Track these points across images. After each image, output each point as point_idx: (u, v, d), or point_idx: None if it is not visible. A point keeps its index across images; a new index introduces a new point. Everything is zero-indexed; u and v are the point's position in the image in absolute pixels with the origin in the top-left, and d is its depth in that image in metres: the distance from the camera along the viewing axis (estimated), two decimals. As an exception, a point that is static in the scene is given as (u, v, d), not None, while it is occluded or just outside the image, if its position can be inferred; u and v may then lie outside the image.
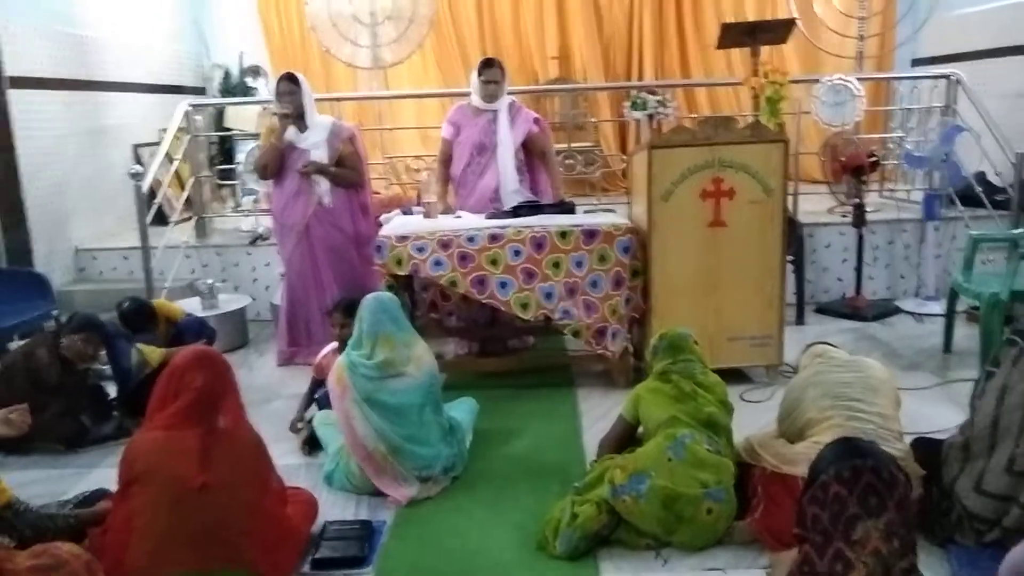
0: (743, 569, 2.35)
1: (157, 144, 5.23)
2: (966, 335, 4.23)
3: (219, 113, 6.59)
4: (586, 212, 4.20)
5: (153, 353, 3.53)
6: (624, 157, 5.69)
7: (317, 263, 4.20)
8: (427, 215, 4.03)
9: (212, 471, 2.12)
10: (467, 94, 4.39)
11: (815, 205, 5.47)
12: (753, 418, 3.19)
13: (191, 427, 2.14)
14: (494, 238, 3.62)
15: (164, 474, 2.10)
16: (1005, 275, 3.74)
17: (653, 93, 5.04)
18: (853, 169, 4.70)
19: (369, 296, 2.97)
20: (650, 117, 4.95)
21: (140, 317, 3.66)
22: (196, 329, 3.78)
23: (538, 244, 3.61)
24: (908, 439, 2.67)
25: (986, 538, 2.32)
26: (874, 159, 4.87)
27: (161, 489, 2.10)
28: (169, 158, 5.50)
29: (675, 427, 2.52)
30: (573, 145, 5.82)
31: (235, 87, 7.03)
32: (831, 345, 2.95)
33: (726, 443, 2.59)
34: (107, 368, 3.59)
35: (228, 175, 5.97)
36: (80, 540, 2.36)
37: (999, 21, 5.72)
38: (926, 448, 2.62)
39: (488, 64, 4.25)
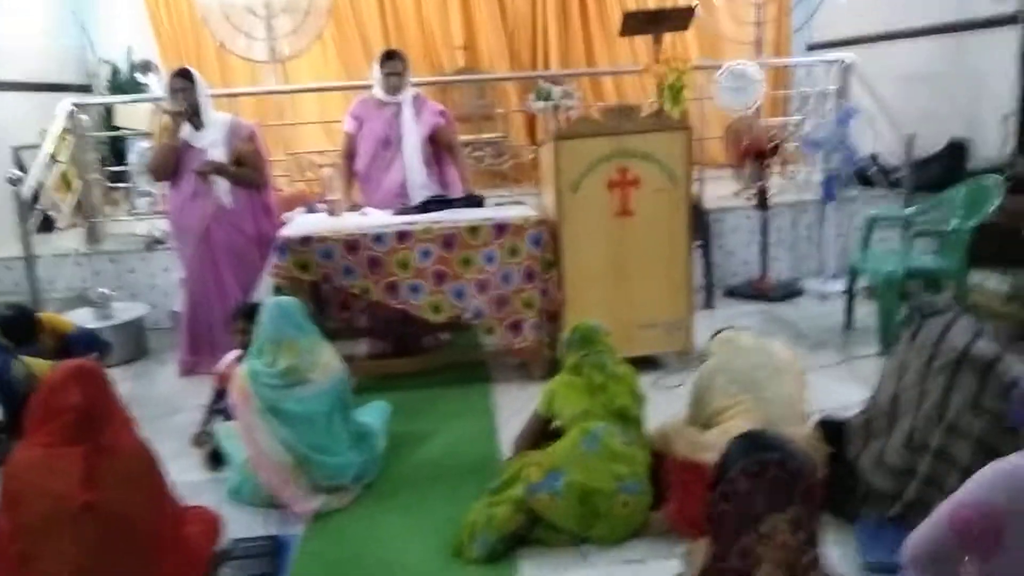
0: (662, 559, 2.35)
1: (39, 146, 4.91)
2: (867, 312, 4.37)
3: (108, 112, 6.24)
4: (496, 205, 4.15)
5: (42, 366, 3.30)
6: (533, 148, 5.67)
7: (218, 267, 4.02)
8: (331, 213, 3.91)
9: (96, 490, 1.97)
10: (370, 86, 4.28)
11: (721, 190, 5.57)
12: (667, 405, 3.19)
13: (71, 444, 1.99)
14: (402, 237, 3.53)
15: (43, 494, 1.95)
16: (900, 253, 3.88)
17: (557, 83, 5.01)
18: (755, 153, 4.79)
19: (270, 302, 2.85)
20: (555, 108, 4.92)
21: (21, 325, 3.41)
22: (87, 342, 3.56)
23: (447, 242, 3.54)
24: (815, 418, 2.75)
25: (889, 512, 2.39)
26: (775, 143, 4.98)
27: (43, 510, 1.95)
28: (53, 160, 5.19)
29: (588, 420, 2.50)
30: (481, 136, 5.76)
31: (124, 84, 6.68)
32: (738, 331, 2.99)
33: (638, 434, 2.59)
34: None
35: (120, 177, 5.67)
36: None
37: (889, 6, 5.94)
38: (831, 427, 2.68)
39: (390, 56, 4.14)
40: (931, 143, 5.32)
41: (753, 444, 1.45)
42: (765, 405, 2.55)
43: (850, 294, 4.32)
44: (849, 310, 4.33)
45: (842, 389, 3.42)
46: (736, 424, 2.47)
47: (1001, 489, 1.56)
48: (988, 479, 1.59)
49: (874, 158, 5.24)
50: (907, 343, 2.52)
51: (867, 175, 5.12)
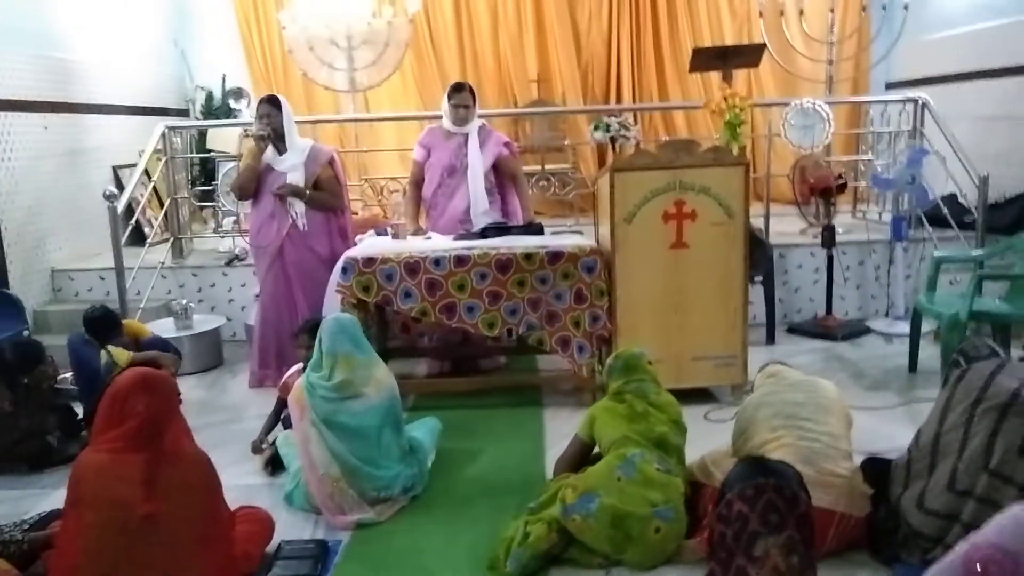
0: (691, 587, 2.37)
1: (136, 166, 5.28)
2: (932, 355, 4.27)
3: (202, 135, 6.64)
4: (554, 234, 4.25)
5: (122, 355, 3.55)
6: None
7: (290, 285, 4.23)
8: (396, 236, 4.08)
9: (157, 500, 2.12)
10: (441, 117, 4.46)
11: (788, 227, 5.54)
12: (717, 437, 3.20)
13: (135, 452, 2.14)
14: (460, 261, 3.67)
15: (108, 500, 2.11)
16: (965, 295, 3.79)
17: (615, 116, 5.11)
18: (821, 191, 4.76)
19: (329, 317, 3.01)
20: (612, 140, 5.01)
21: (105, 323, 3.67)
22: (160, 348, 3.80)
23: (503, 266, 3.66)
24: (862, 457, 2.73)
25: (930, 556, 2.34)
26: (842, 181, 4.94)
27: (106, 516, 2.11)
28: (148, 178, 5.56)
29: (626, 446, 2.55)
30: (548, 167, 5.88)
31: (218, 109, 7.09)
32: (785, 365, 3.00)
33: (677, 462, 2.63)
34: (75, 387, 3.62)
35: (209, 196, 6.02)
36: (33, 562, 2.38)
37: (967, 46, 5.83)
38: (876, 467, 2.65)
39: (458, 88, 4.31)
40: (1010, 186, 5.18)
41: (752, 469, 1.49)
42: (807, 441, 2.54)
43: (915, 335, 4.23)
44: (913, 352, 4.24)
45: (899, 431, 3.35)
46: (777, 458, 2.48)
47: (1019, 536, 1.55)
48: (1006, 524, 1.58)
49: (953, 199, 5.13)
50: (953, 385, 2.48)
51: (940, 216, 5.01)
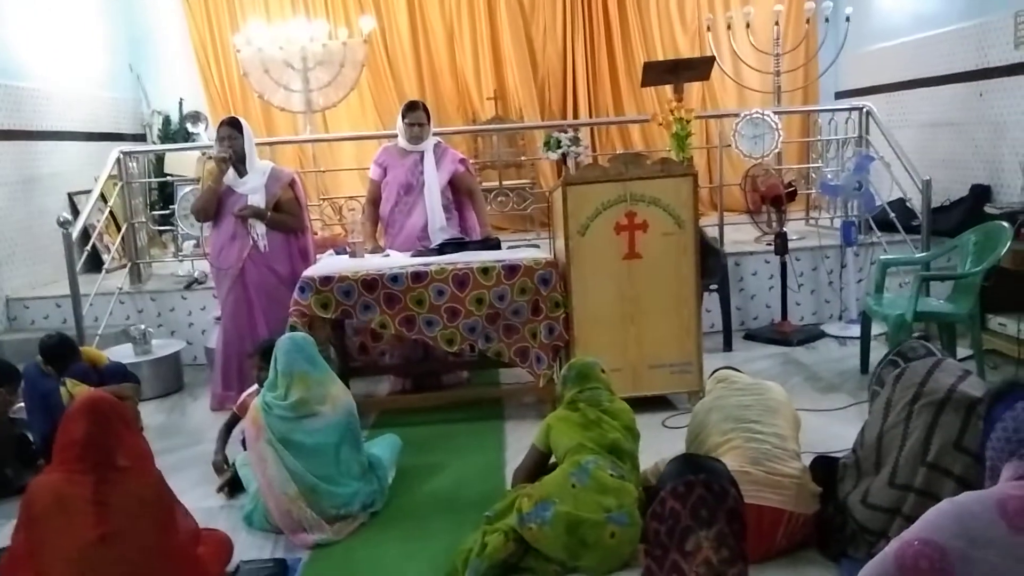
0: (647, 591, 2.41)
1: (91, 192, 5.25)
2: (882, 356, 4.37)
3: (159, 159, 6.61)
4: (511, 248, 4.31)
5: (83, 390, 3.51)
6: (556, 193, 5.84)
7: (251, 306, 4.22)
8: (353, 254, 4.10)
9: (110, 521, 2.13)
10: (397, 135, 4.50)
11: (742, 235, 5.65)
12: (675, 444, 3.27)
13: (84, 474, 2.15)
14: (417, 277, 3.70)
15: (61, 521, 2.11)
16: (911, 297, 3.91)
17: (564, 131, 5.19)
18: (771, 199, 4.88)
19: (283, 337, 3.02)
20: (563, 155, 5.09)
21: (62, 351, 3.64)
22: (119, 375, 3.78)
23: (460, 281, 3.70)
24: (812, 457, 2.80)
25: (875, 549, 2.40)
26: (792, 189, 5.06)
27: (57, 537, 2.11)
28: (105, 203, 5.53)
29: (580, 454, 2.60)
30: (507, 183, 5.95)
31: (176, 133, 7.06)
32: (735, 370, 3.07)
33: (631, 468, 2.67)
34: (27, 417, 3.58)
35: (168, 221, 5.99)
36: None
37: (908, 55, 6.02)
38: (824, 466, 2.73)
39: (412, 107, 4.36)
40: (954, 189, 5.35)
41: (683, 466, 1.54)
42: (756, 443, 2.60)
43: (865, 338, 4.34)
44: (864, 354, 4.35)
45: (850, 431, 3.40)
46: (727, 460, 2.54)
47: (946, 528, 1.61)
48: (932, 519, 1.65)
49: (900, 203, 5.28)
50: (892, 383, 2.57)
51: (888, 220, 5.15)
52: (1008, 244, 3.76)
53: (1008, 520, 1.62)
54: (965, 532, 1.62)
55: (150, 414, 4.21)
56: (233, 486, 3.18)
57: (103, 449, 2.18)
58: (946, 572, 1.59)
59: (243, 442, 3.37)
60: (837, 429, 3.50)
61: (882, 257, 4.39)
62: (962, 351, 4.08)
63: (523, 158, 6.63)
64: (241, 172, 4.19)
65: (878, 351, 4.40)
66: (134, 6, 7.19)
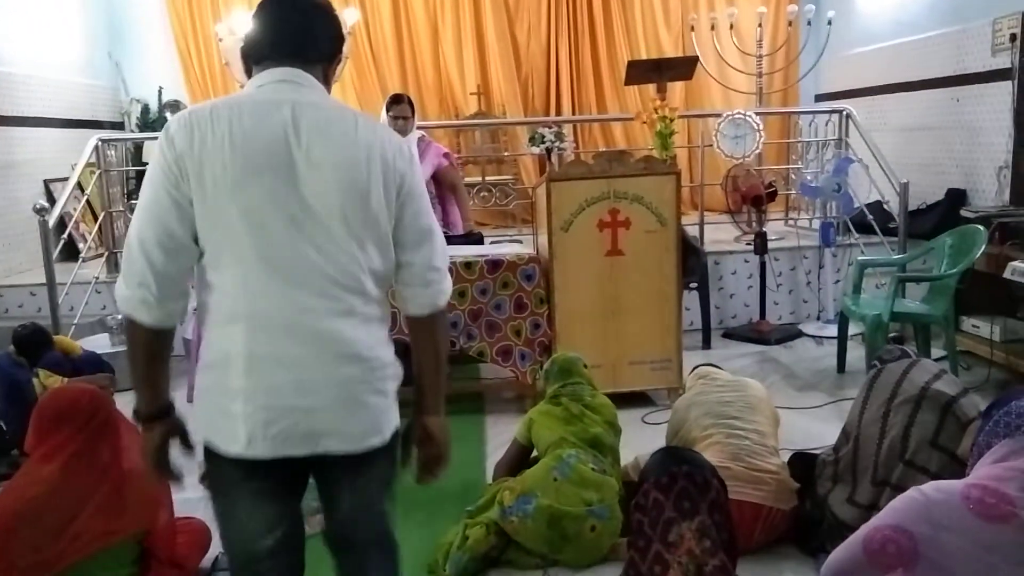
0: (627, 584, 2.43)
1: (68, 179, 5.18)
2: (860, 356, 4.43)
3: (137, 148, 6.53)
4: (493, 243, 4.31)
5: (55, 382, 3.47)
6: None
7: (229, 296, 4.18)
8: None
9: (100, 511, 2.15)
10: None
11: (722, 234, 5.69)
12: (655, 439, 3.29)
13: (71, 460, 2.15)
14: (400, 271, 3.68)
15: (46, 509, 2.12)
16: (887, 297, 3.96)
17: (548, 128, 5.21)
18: (752, 199, 4.92)
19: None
20: (548, 151, 5.11)
21: (35, 341, 3.60)
22: (93, 365, 3.73)
23: (443, 275, 3.69)
24: (789, 454, 2.84)
25: (850, 544, 2.45)
26: (772, 190, 5.11)
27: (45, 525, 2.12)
28: (82, 191, 5.45)
29: (562, 448, 2.61)
30: (489, 178, 5.96)
31: (155, 122, 6.98)
32: (715, 367, 3.10)
33: (611, 463, 2.69)
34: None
35: (145, 210, 5.91)
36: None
37: (888, 60, 6.09)
38: (802, 463, 2.76)
39: (396, 100, 4.35)
40: (931, 192, 5.42)
41: (666, 459, 1.55)
42: (736, 439, 2.64)
43: (842, 337, 4.39)
44: (841, 353, 4.40)
45: (826, 429, 3.48)
46: (708, 456, 2.56)
47: (912, 515, 1.65)
48: (899, 507, 1.69)
49: (878, 206, 5.35)
50: (869, 384, 2.61)
51: (866, 222, 5.22)
52: (983, 247, 3.83)
53: (970, 507, 1.67)
54: (930, 519, 1.67)
55: (126, 404, 4.10)
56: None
57: (91, 445, 2.18)
58: (912, 556, 1.64)
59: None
60: (814, 427, 3.55)
61: (860, 258, 4.45)
62: (936, 352, 4.14)
63: (506, 154, 6.63)
64: None
65: (855, 351, 4.48)
66: (114, -8, 7.11)
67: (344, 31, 1.68)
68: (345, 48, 5.29)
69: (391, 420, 1.68)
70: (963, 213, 4.61)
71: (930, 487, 1.70)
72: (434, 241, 1.65)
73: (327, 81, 1.64)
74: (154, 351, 1.55)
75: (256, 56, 1.59)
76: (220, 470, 1.60)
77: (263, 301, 1.49)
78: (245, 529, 1.62)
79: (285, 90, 1.53)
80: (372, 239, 1.55)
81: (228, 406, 1.51)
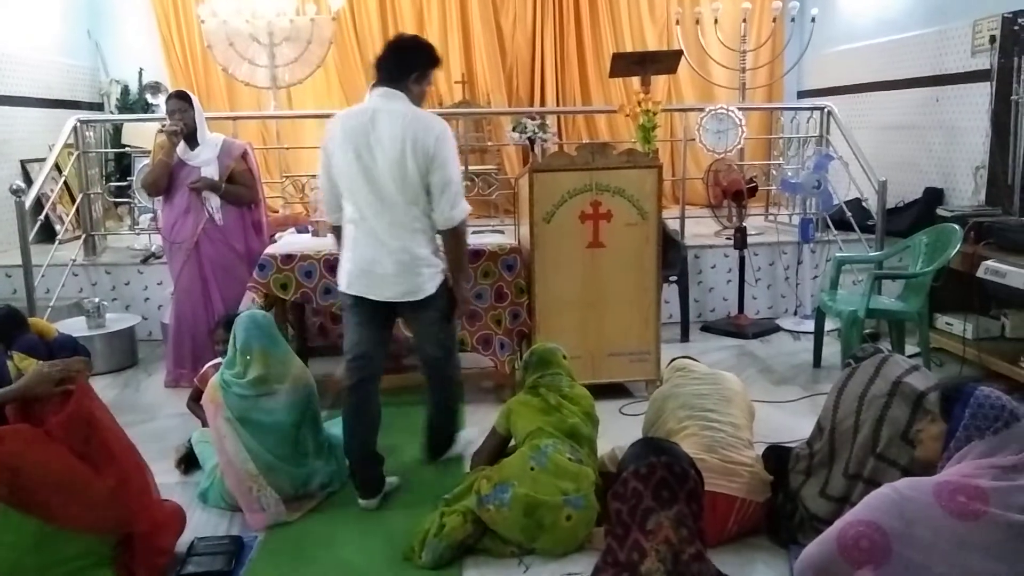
0: (601, 573, 2.45)
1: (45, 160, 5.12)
2: (835, 351, 4.49)
3: (117, 129, 6.46)
4: (475, 233, 4.29)
5: (30, 364, 3.44)
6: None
7: (206, 281, 4.17)
8: (316, 234, 4.07)
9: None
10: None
11: (703, 228, 5.73)
12: (632, 431, 3.31)
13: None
14: (381, 257, 3.68)
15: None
16: (863, 294, 4.01)
17: (532, 119, 5.21)
18: (733, 194, 4.95)
19: (243, 314, 2.99)
20: (530, 141, 5.11)
21: (10, 323, 3.55)
22: (68, 348, 3.70)
23: (424, 264, 3.69)
24: (764, 447, 2.87)
25: (822, 536, 2.49)
26: (753, 185, 5.14)
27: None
28: (59, 173, 5.39)
29: (539, 438, 2.63)
30: (472, 168, 5.94)
31: (134, 104, 6.90)
32: (692, 359, 3.13)
33: (588, 453, 2.71)
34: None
35: (125, 192, 5.86)
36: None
37: (869, 58, 6.14)
38: (776, 456, 2.79)
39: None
40: (909, 190, 5.48)
41: (645, 449, 1.57)
42: (711, 431, 2.66)
43: (819, 333, 4.44)
44: (817, 348, 4.45)
45: (801, 423, 3.51)
46: (683, 447, 2.59)
47: (887, 512, 1.68)
48: (873, 502, 1.72)
49: (857, 203, 5.40)
50: (844, 379, 2.64)
51: (845, 219, 5.27)
52: (958, 246, 3.88)
53: (942, 504, 1.70)
54: (903, 514, 1.70)
55: (103, 388, 4.12)
56: (189, 462, 3.15)
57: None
58: (884, 551, 1.67)
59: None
60: (789, 420, 3.60)
61: (837, 255, 4.50)
62: (910, 348, 4.20)
63: (489, 144, 6.62)
64: (192, 145, 4.12)
65: (831, 346, 4.53)
66: (94, -30, 7.00)
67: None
68: (329, 32, 5.26)
69: (425, 287, 2.83)
70: (939, 212, 4.67)
71: (903, 484, 1.73)
72: (450, 190, 2.76)
73: (412, 91, 2.81)
74: (337, 235, 2.96)
75: (375, 81, 2.85)
76: (344, 300, 2.92)
77: (357, 216, 2.78)
78: (351, 337, 2.91)
79: (376, 101, 2.78)
80: (410, 187, 2.72)
81: (344, 265, 2.87)
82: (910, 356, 3.34)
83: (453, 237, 2.84)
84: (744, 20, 6.11)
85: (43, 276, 4.68)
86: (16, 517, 2.08)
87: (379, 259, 2.76)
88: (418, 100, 2.84)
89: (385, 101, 2.74)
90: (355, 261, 2.80)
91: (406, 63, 2.79)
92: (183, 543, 2.58)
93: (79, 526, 2.18)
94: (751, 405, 2.90)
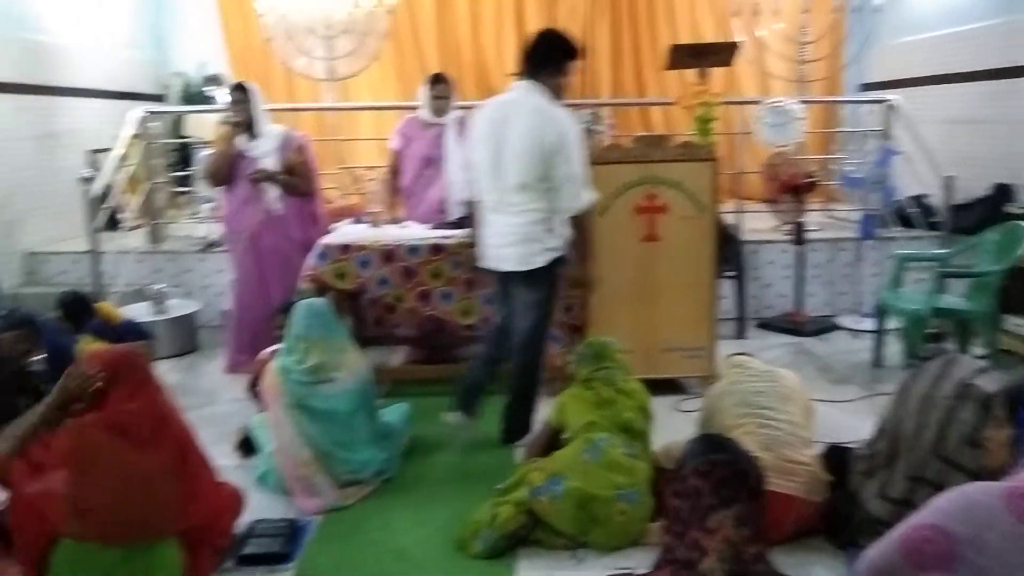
0: (654, 569, 2.43)
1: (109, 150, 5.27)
2: (897, 351, 4.37)
3: (178, 121, 6.61)
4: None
5: (96, 347, 3.55)
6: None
7: (264, 270, 4.24)
8: (373, 224, 4.11)
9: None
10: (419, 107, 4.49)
11: (760, 223, 5.62)
12: (686, 427, 3.27)
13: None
14: (436, 249, 3.72)
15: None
16: (927, 293, 3.90)
17: (587, 110, 5.17)
18: (791, 189, 4.85)
19: (301, 302, 3.04)
20: (586, 132, 5.07)
21: (78, 308, 3.68)
22: (132, 332, 3.81)
23: (478, 255, 3.71)
24: (821, 446, 2.81)
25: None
26: (811, 179, 5.02)
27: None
28: (123, 163, 5.54)
29: (592, 431, 2.62)
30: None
31: (195, 95, 7.06)
32: (749, 356, 3.08)
33: (642, 448, 2.70)
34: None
35: (186, 182, 6.00)
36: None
37: (935, 50, 5.96)
38: (836, 456, 2.74)
39: (437, 79, 4.35)
40: (977, 186, 5.31)
41: (706, 446, 1.55)
42: (769, 429, 2.62)
43: (879, 332, 4.34)
44: (878, 347, 4.35)
45: (860, 423, 3.43)
46: (739, 445, 2.55)
47: (955, 516, 1.63)
48: (942, 505, 1.67)
49: (919, 199, 5.25)
50: (910, 379, 2.57)
51: (908, 216, 5.13)
52: (1030, 244, 3.75)
53: (1012, 510, 1.64)
54: (971, 520, 1.65)
55: (165, 372, 4.23)
56: (248, 446, 3.21)
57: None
58: (951, 556, 1.62)
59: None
60: (847, 420, 3.52)
61: (900, 252, 4.38)
62: (976, 350, 4.07)
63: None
64: (252, 136, 4.20)
65: (892, 346, 4.42)
66: (160, -35, 7.18)
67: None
68: (386, 25, 5.30)
69: (534, 262, 3.07)
70: (1009, 209, 4.51)
71: (972, 488, 1.68)
72: (573, 183, 2.99)
73: (548, 84, 3.01)
74: (472, 213, 3.33)
75: (518, 74, 3.05)
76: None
77: (488, 200, 3.13)
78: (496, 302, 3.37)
79: (513, 94, 3.05)
80: (535, 173, 2.96)
81: (479, 241, 3.25)
82: (976, 358, 3.25)
83: (576, 224, 3.09)
84: (804, 11, 5.97)
85: (109, 263, 4.82)
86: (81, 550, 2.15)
87: (500, 233, 3.11)
88: (556, 92, 3.03)
89: (521, 94, 3.00)
90: (485, 236, 3.18)
91: (541, 57, 3.00)
92: (242, 525, 2.63)
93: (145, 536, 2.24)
94: (809, 403, 2.85)
